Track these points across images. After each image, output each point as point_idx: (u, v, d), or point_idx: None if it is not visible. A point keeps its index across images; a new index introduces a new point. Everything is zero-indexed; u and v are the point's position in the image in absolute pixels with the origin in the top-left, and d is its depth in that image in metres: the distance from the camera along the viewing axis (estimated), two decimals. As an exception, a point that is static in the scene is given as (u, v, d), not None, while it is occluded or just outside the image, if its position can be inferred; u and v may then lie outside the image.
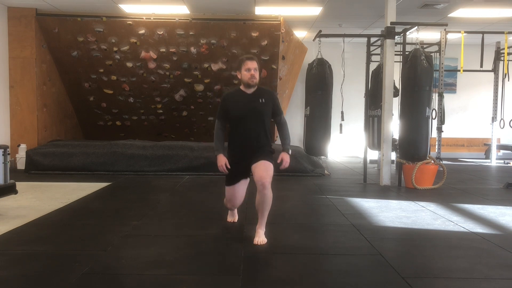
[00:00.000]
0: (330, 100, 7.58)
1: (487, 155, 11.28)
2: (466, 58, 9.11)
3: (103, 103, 9.96)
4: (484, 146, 11.82)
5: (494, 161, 10.56)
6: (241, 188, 4.15)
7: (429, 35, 10.30)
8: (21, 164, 8.40)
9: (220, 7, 8.46)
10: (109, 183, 6.96)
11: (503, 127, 9.83)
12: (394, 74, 7.18)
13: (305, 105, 7.78)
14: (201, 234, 4.14)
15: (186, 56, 9.16)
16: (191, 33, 8.82)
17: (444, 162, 7.95)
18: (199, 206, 5.48)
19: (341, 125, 7.98)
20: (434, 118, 7.75)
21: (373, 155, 9.53)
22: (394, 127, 7.41)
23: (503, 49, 9.38)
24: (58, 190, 6.33)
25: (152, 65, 9.30)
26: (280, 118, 4.13)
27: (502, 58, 9.85)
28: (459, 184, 7.39)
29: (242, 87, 4.06)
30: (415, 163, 6.76)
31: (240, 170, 4.05)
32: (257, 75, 3.97)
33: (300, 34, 10.74)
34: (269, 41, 8.88)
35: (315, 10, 8.65)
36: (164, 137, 10.47)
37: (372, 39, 8.57)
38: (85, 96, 9.87)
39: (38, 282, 2.95)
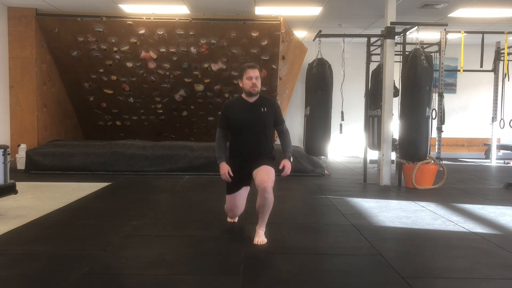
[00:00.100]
0: (330, 100, 7.58)
1: (487, 155, 11.28)
2: (466, 58, 9.11)
3: (103, 103, 9.96)
4: (484, 146, 11.82)
5: (494, 161, 10.56)
6: (242, 197, 4.12)
7: (429, 35, 10.30)
8: (21, 164, 8.40)
9: (220, 7, 8.46)
10: (109, 183, 6.96)
11: (503, 127, 9.83)
12: (394, 74, 7.18)
13: (305, 105, 7.78)
14: (201, 234, 4.14)
15: (186, 56, 9.16)
16: (191, 33, 8.82)
17: (444, 162, 7.95)
18: (199, 206, 5.48)
19: (341, 125, 7.98)
20: (434, 118, 7.75)
21: (373, 155, 9.53)
22: (394, 127, 7.41)
23: (503, 49, 9.38)
24: (58, 190, 6.32)
25: (152, 65, 9.30)
26: (282, 127, 4.12)
27: (502, 58, 9.85)
28: (459, 184, 7.39)
29: (243, 96, 4.03)
30: (415, 163, 6.76)
31: (241, 177, 4.02)
32: (258, 83, 3.94)
33: (300, 34, 10.74)
34: (269, 41, 8.88)
35: (315, 10, 8.65)
36: (164, 137, 10.47)
37: (372, 39, 8.57)
38: (85, 96, 9.87)
39: (38, 282, 2.95)
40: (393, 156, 7.85)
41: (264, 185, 3.73)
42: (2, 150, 4.76)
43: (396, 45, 7.27)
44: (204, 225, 4.46)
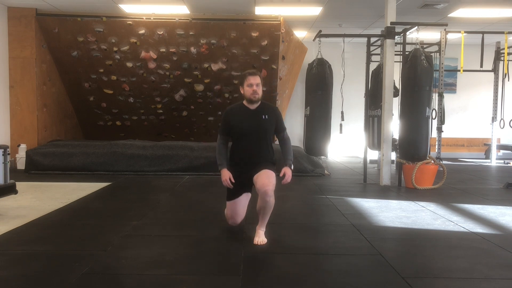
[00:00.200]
0: (330, 100, 7.58)
1: (487, 155, 11.28)
2: (466, 58, 9.11)
3: (103, 103, 9.96)
4: (484, 146, 11.82)
5: (494, 161, 10.56)
6: (242, 204, 4.10)
7: (429, 35, 10.30)
8: (21, 164, 8.40)
9: (220, 7, 8.46)
10: (109, 183, 6.96)
11: (503, 127, 9.83)
12: (394, 74, 7.18)
13: (305, 105, 7.78)
14: (201, 234, 4.14)
15: (186, 56, 9.16)
16: (191, 33, 8.82)
17: (444, 162, 7.95)
18: (199, 206, 5.48)
19: (341, 125, 7.98)
20: (434, 118, 7.75)
21: (373, 155, 9.53)
22: (394, 127, 7.40)
23: (503, 49, 9.38)
24: (58, 190, 6.32)
25: (152, 65, 9.30)
26: (283, 135, 4.11)
27: (502, 58, 9.84)
28: (459, 184, 7.39)
29: (245, 102, 4.03)
30: (415, 163, 6.76)
31: (242, 183, 4.01)
32: (259, 90, 3.93)
33: (300, 34, 10.74)
34: (269, 41, 8.88)
35: (315, 10, 8.65)
36: (164, 137, 10.47)
37: (372, 39, 8.57)
38: (85, 96, 9.87)
39: (38, 282, 2.95)
40: (393, 156, 7.85)
41: (265, 189, 3.73)
42: (2, 150, 4.76)
43: (396, 45, 7.26)
44: (204, 225, 4.46)
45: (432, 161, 6.97)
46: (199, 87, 9.66)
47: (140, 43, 8.99)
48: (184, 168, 8.08)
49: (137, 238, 3.99)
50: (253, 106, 4.00)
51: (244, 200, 4.11)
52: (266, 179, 3.80)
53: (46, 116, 9.22)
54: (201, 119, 10.27)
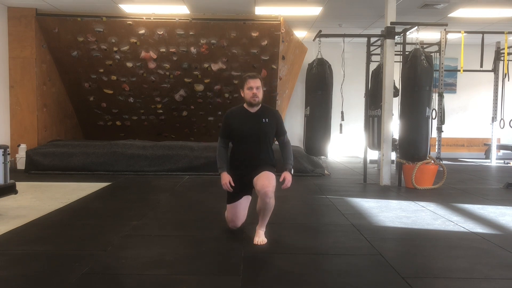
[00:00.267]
0: (330, 100, 7.58)
1: (487, 155, 11.28)
2: (466, 58, 9.11)
3: (103, 103, 9.96)
4: (484, 146, 11.82)
5: (494, 161, 10.56)
6: (242, 207, 4.09)
7: (429, 35, 10.30)
8: (21, 164, 8.40)
9: (220, 7, 8.46)
10: (109, 183, 6.96)
11: (503, 127, 9.83)
12: (394, 74, 7.18)
13: (305, 105, 7.78)
14: (201, 234, 4.14)
15: (186, 56, 9.16)
16: (191, 33, 8.82)
17: (444, 162, 7.95)
18: (199, 206, 5.48)
19: (341, 125, 7.98)
20: (434, 118, 7.75)
21: (373, 155, 9.53)
22: (394, 127, 7.41)
23: (503, 49, 9.38)
24: (58, 190, 6.32)
25: (152, 65, 9.30)
26: (284, 138, 4.09)
27: (502, 58, 9.84)
28: (459, 184, 7.39)
29: (245, 105, 4.02)
30: (415, 163, 6.76)
31: (242, 185, 4.01)
32: (259, 93, 3.93)
33: (300, 34, 10.74)
34: (269, 41, 8.88)
35: (315, 10, 8.65)
36: (164, 137, 10.47)
37: (372, 39, 8.57)
38: (85, 96, 9.87)
39: (38, 282, 2.95)
40: (393, 156, 7.85)
41: (265, 190, 3.72)
42: (2, 150, 4.76)
43: (396, 45, 7.27)
44: (204, 225, 4.46)
45: (432, 161, 6.97)
46: (199, 87, 9.66)
47: (140, 43, 8.99)
48: (184, 168, 8.08)
49: (137, 238, 3.99)
50: (253, 109, 4.00)
51: (244, 203, 4.10)
52: (266, 180, 3.79)
53: (46, 116, 9.22)
54: (201, 119, 10.27)
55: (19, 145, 8.60)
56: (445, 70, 8.08)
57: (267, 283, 2.99)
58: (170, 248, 3.69)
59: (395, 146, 7.35)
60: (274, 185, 3.82)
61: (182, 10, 8.55)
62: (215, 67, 9.34)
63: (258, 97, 3.93)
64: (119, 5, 8.25)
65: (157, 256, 3.46)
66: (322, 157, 8.38)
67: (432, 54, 7.60)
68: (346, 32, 8.94)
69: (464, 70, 8.85)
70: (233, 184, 3.93)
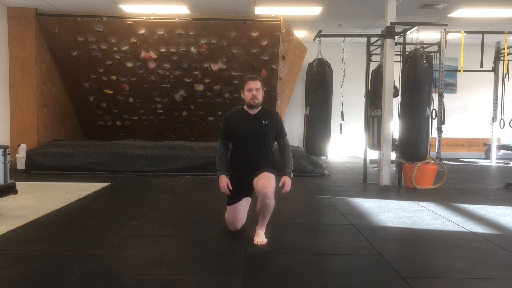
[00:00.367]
0: (330, 100, 7.58)
1: (487, 155, 11.28)
2: (466, 58, 9.11)
3: (103, 103, 9.96)
4: (484, 146, 11.82)
5: (494, 161, 10.56)
6: (242, 209, 4.09)
7: (429, 35, 10.30)
8: (21, 164, 8.40)
9: (220, 7, 8.46)
10: (109, 183, 6.96)
11: (503, 127, 9.83)
12: (394, 74, 7.18)
13: (305, 105, 7.78)
14: (201, 234, 4.14)
15: (186, 56, 9.16)
16: (191, 33, 8.82)
17: (444, 162, 7.95)
18: (199, 206, 5.48)
19: (341, 125, 7.98)
20: (434, 118, 7.75)
21: (373, 155, 9.53)
22: (394, 127, 7.41)
23: (503, 49, 9.38)
24: (58, 190, 6.32)
25: (152, 65, 9.30)
26: (283, 141, 4.08)
27: (502, 58, 9.85)
28: (459, 184, 7.39)
29: (245, 107, 4.02)
30: (415, 163, 6.76)
31: (242, 187, 4.01)
32: (259, 95, 3.92)
33: (300, 34, 10.74)
34: (269, 41, 8.88)
35: (315, 10, 8.65)
36: (164, 137, 10.47)
37: (372, 39, 8.57)
38: (85, 96, 9.87)
39: (38, 282, 2.95)
40: (393, 156, 7.85)
41: (265, 191, 3.72)
42: (2, 150, 4.76)
43: (396, 45, 7.27)
44: (204, 225, 4.46)
45: (432, 161, 6.97)
46: (199, 87, 9.66)
47: (140, 43, 8.99)
48: (184, 168, 8.08)
49: (137, 238, 3.99)
50: (253, 111, 4.00)
51: (244, 205, 4.10)
52: (266, 181, 3.79)
53: (46, 116, 9.22)
54: (201, 119, 10.27)
55: (19, 145, 8.60)
56: (445, 70, 8.08)
57: (267, 283, 2.99)
58: (170, 248, 3.69)
59: (395, 146, 7.35)
60: (274, 186, 3.82)
61: (182, 10, 8.55)
62: (215, 67, 9.34)
63: (257, 99, 3.92)
64: (119, 5, 8.25)
65: (157, 256, 3.46)
66: (322, 157, 8.38)
67: (432, 54, 7.60)
68: (346, 32, 8.94)
69: (464, 70, 8.85)
70: (230, 188, 3.94)
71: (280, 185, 3.92)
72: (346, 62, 8.09)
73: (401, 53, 7.33)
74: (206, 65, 9.32)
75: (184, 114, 10.17)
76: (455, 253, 3.68)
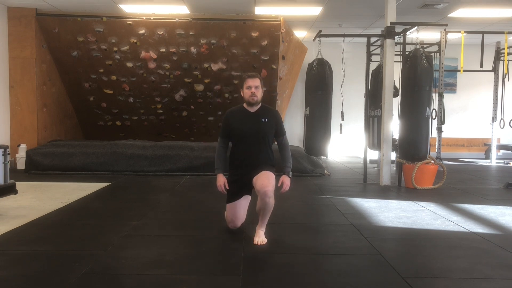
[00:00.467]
0: (330, 100, 7.58)
1: (487, 155, 11.28)
2: (466, 58, 9.11)
3: (103, 103, 9.96)
4: (484, 146, 11.82)
5: (494, 161, 10.56)
6: (242, 207, 4.09)
7: (429, 35, 10.30)
8: (21, 164, 8.40)
9: (220, 7, 8.46)
10: (109, 183, 6.96)
11: (503, 127, 9.83)
12: (394, 74, 7.18)
13: (305, 105, 7.78)
14: (201, 234, 4.14)
15: (186, 56, 9.16)
16: (191, 33, 8.82)
17: (444, 162, 7.95)
18: (199, 206, 5.48)
19: (341, 125, 7.98)
20: (434, 118, 7.75)
21: (373, 155, 9.53)
22: (394, 127, 7.41)
23: (503, 49, 9.38)
24: (58, 190, 6.32)
25: (152, 65, 9.30)
26: (282, 139, 4.09)
27: (502, 58, 9.85)
28: (459, 184, 7.39)
29: (245, 105, 4.04)
30: (415, 163, 6.76)
31: (242, 185, 4.02)
32: (258, 93, 3.94)
33: (300, 34, 10.74)
34: (269, 41, 8.88)
35: (315, 10, 8.65)
36: (164, 137, 10.47)
37: (372, 39, 8.57)
38: (85, 96, 9.87)
39: (38, 282, 2.95)
40: (393, 156, 7.85)
41: (265, 189, 3.73)
42: (2, 150, 4.76)
43: (396, 45, 7.27)
44: (204, 225, 4.46)
45: (432, 161, 6.97)
46: (199, 87, 9.66)
47: (140, 43, 8.99)
48: (184, 168, 8.08)
49: (137, 238, 3.99)
50: (253, 109, 4.00)
51: (244, 203, 4.10)
52: (265, 180, 3.80)
53: (46, 116, 9.22)
54: (201, 119, 10.27)
55: (19, 145, 8.60)
56: (445, 70, 8.08)
57: (267, 283, 2.99)
58: (170, 248, 3.69)
59: (395, 146, 7.35)
60: (273, 185, 3.82)
61: (182, 10, 8.55)
62: (215, 67, 9.34)
63: (256, 96, 3.93)
64: (119, 5, 8.25)
65: (157, 256, 3.46)
66: (322, 157, 8.38)
67: (432, 54, 7.60)
68: (346, 32, 8.94)
69: (464, 70, 8.85)
70: (227, 187, 3.96)
71: (279, 184, 3.93)
72: (346, 62, 8.09)
73: (401, 53, 7.33)
74: (206, 65, 9.32)
75: (184, 114, 10.17)
76: (455, 253, 3.68)
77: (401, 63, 7.29)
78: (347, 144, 11.54)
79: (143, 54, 9.14)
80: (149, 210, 5.08)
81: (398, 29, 7.20)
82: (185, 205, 5.62)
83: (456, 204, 5.64)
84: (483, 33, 8.45)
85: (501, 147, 11.49)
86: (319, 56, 7.56)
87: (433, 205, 5.54)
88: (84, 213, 5.01)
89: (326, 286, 2.93)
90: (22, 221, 4.46)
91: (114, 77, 9.52)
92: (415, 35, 7.06)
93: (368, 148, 8.01)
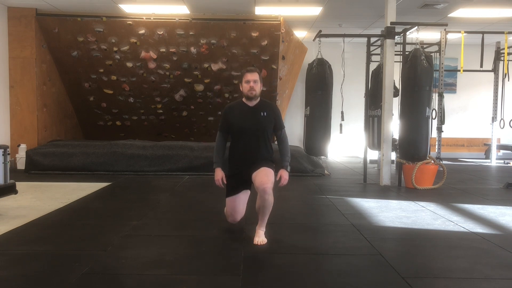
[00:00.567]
0: (330, 100, 7.58)
1: (487, 155, 11.28)
2: (466, 58, 9.11)
3: (103, 103, 9.96)
4: (484, 146, 11.82)
5: (494, 161, 10.56)
6: (241, 201, 4.11)
7: (429, 35, 10.30)
8: (21, 164, 8.40)
9: (220, 7, 8.46)
10: (109, 183, 6.96)
11: (503, 127, 9.83)
12: (394, 74, 7.18)
13: (305, 105, 7.78)
14: (201, 234, 4.14)
15: (186, 56, 9.16)
16: (191, 33, 8.82)
17: (444, 162, 7.95)
18: (199, 206, 5.48)
19: (341, 125, 7.98)
20: (434, 118, 7.75)
21: (373, 155, 9.53)
22: (394, 127, 7.41)
23: (503, 49, 9.38)
24: (58, 190, 6.32)
25: (152, 65, 9.30)
26: (281, 133, 4.10)
27: (502, 58, 9.85)
28: (459, 184, 7.39)
29: (244, 100, 4.05)
30: (415, 163, 6.76)
31: (241, 180, 4.03)
32: (257, 87, 3.95)
33: (300, 34, 10.74)
34: (269, 41, 8.88)
35: (315, 10, 8.65)
36: (164, 137, 10.47)
37: (372, 39, 8.57)
38: (85, 96, 9.87)
39: (38, 282, 2.95)
40: (393, 156, 7.85)
41: (264, 186, 3.73)
42: (2, 150, 4.76)
43: (396, 45, 7.27)
44: (204, 225, 4.46)
45: (432, 161, 6.97)
46: (199, 87, 9.66)
47: (140, 43, 8.99)
48: (184, 168, 8.08)
49: (137, 238, 3.99)
50: (252, 103, 4.01)
51: (243, 197, 4.12)
52: (264, 176, 3.81)
53: (46, 116, 9.22)
54: (201, 119, 10.27)
55: (19, 145, 8.60)
56: (445, 70, 8.08)
57: (267, 283, 2.99)
58: (170, 248, 3.69)
59: (395, 146, 7.35)
60: (272, 181, 3.84)
61: (182, 10, 8.55)
62: (215, 67, 9.34)
63: (255, 90, 3.95)
64: (119, 5, 8.25)
65: (157, 256, 3.46)
66: (322, 157, 8.38)
67: (432, 54, 7.60)
68: (346, 32, 8.94)
69: (464, 70, 8.85)
70: (225, 182, 3.98)
71: (277, 178, 3.95)
72: (346, 62, 8.09)
73: (401, 53, 7.33)
74: (206, 65, 9.32)
75: (184, 114, 10.17)
76: (455, 253, 3.68)
77: (401, 63, 7.28)
78: (347, 144, 11.54)
79: (143, 54, 9.14)
80: (149, 210, 5.08)
81: (398, 29, 7.20)
82: (185, 205, 5.62)
83: (456, 204, 5.64)
84: (483, 33, 8.45)
85: (501, 147, 11.49)
86: (319, 56, 7.57)
87: (433, 205, 5.54)
88: (84, 213, 5.01)
89: (326, 286, 2.93)
90: (22, 221, 4.46)
91: (114, 77, 9.52)
92: (415, 35, 7.06)
93: (368, 148, 8.01)
